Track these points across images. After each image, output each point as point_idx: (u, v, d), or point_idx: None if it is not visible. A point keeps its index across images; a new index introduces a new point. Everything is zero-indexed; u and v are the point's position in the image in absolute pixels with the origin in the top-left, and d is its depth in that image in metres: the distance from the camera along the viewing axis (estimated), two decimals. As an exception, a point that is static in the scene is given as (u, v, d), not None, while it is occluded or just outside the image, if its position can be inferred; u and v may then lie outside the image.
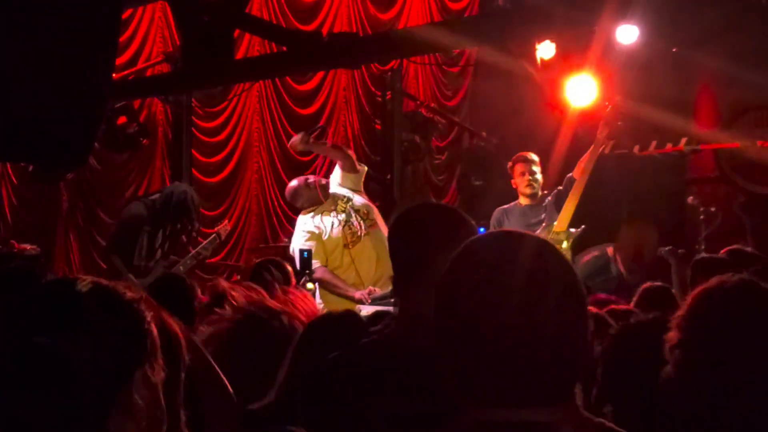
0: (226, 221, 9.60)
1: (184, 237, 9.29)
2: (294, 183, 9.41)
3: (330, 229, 9.04)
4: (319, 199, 9.14)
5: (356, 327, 4.03)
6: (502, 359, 2.04)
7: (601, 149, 8.97)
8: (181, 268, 8.95)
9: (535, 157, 9.60)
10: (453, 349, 2.12)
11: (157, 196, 9.56)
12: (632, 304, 5.69)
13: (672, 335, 2.87)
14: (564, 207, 9.02)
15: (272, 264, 7.08)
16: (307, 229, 9.09)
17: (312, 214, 9.14)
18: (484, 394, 2.07)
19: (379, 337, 3.42)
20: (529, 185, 9.45)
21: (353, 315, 4.43)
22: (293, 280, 6.90)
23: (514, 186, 9.64)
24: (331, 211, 9.12)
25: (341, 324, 4.08)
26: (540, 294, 2.05)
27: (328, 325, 4.14)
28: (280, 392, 3.75)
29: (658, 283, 6.11)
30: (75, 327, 2.00)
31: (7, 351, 1.99)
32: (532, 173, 9.47)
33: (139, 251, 8.80)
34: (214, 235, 9.31)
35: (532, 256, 2.10)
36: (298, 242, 9.05)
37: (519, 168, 9.58)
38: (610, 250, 9.56)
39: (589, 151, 9.12)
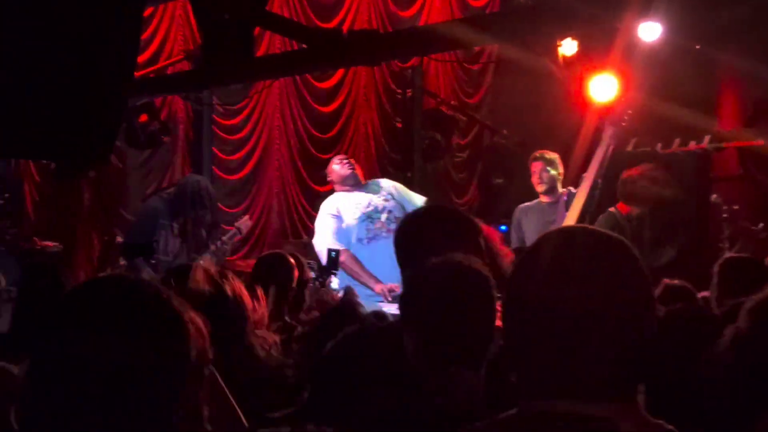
0: (247, 217, 9.56)
1: (203, 230, 9.25)
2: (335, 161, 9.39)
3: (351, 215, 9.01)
4: (349, 182, 9.12)
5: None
6: (567, 351, 2.05)
7: (606, 149, 8.94)
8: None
9: (550, 155, 9.58)
10: (517, 340, 2.14)
11: (173, 189, 9.55)
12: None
13: (740, 325, 2.84)
14: (571, 206, 8.99)
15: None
16: (328, 211, 9.08)
17: (341, 195, 9.11)
18: (546, 385, 2.08)
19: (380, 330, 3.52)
20: (541, 183, 9.45)
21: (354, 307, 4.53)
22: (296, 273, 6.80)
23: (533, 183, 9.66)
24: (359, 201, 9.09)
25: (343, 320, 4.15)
26: (610, 288, 2.06)
27: (336, 323, 4.18)
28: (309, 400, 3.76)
29: (677, 281, 6.08)
30: (128, 331, 1.96)
31: (62, 360, 1.95)
32: (545, 171, 9.45)
33: (159, 246, 8.77)
34: (234, 230, 9.27)
35: (603, 250, 2.12)
36: (318, 222, 9.02)
37: (533, 166, 9.59)
38: None
39: (597, 151, 9.11)
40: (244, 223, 9.45)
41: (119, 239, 8.47)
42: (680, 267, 8.86)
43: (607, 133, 8.99)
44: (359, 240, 9.00)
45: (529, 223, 9.45)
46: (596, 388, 2.05)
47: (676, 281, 6.11)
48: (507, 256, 5.44)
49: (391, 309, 6.75)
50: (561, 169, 9.59)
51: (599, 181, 8.87)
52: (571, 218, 8.92)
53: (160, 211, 8.89)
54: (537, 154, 9.63)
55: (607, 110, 9.36)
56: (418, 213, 4.53)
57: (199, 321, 2.94)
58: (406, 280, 3.51)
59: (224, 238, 9.27)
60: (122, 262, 8.94)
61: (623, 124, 9.04)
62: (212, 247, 9.15)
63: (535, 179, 9.54)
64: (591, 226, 2.24)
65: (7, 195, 10.05)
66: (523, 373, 2.14)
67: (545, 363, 2.08)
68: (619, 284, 2.07)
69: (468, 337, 3.18)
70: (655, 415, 2.15)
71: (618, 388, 2.08)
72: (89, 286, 2.13)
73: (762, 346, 2.74)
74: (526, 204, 9.73)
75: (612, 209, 9.55)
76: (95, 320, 1.96)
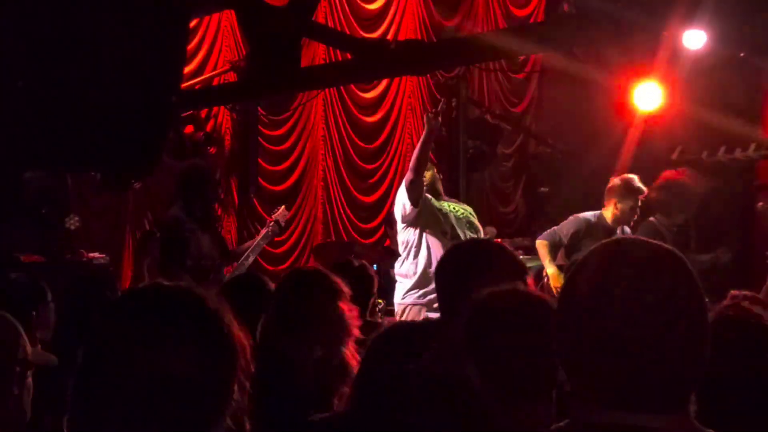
0: (283, 207, 9.47)
1: (216, 207, 9.11)
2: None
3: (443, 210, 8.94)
4: (436, 190, 9.06)
5: (426, 337, 4.07)
6: (619, 362, 2.04)
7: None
8: (245, 263, 8.91)
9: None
10: (573, 351, 2.13)
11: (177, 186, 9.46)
12: None
13: None
14: None
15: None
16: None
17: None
18: (597, 396, 2.08)
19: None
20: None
21: (424, 325, 4.49)
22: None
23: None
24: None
25: (412, 334, 4.12)
26: (662, 298, 2.06)
27: (399, 335, 4.16)
28: (349, 402, 3.75)
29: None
30: (172, 341, 1.96)
31: (112, 370, 1.96)
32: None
33: (192, 252, 8.72)
34: (272, 223, 9.21)
35: (654, 261, 2.11)
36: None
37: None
38: None
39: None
40: (281, 214, 9.39)
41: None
42: (727, 274, 8.78)
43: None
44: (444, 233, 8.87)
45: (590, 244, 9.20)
46: (648, 399, 2.05)
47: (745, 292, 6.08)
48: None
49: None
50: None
51: None
52: None
53: (180, 218, 8.85)
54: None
55: (654, 117, 9.29)
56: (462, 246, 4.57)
57: (239, 333, 2.95)
58: (468, 310, 3.49)
59: (262, 232, 9.18)
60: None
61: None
62: (252, 244, 9.10)
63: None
64: (641, 237, 2.23)
65: (53, 213, 10.11)
66: (575, 383, 2.14)
67: (597, 374, 2.08)
68: (672, 294, 2.06)
69: (541, 370, 3.13)
70: (708, 425, 2.14)
71: (670, 399, 2.07)
72: (133, 295, 2.14)
73: None
74: (594, 221, 9.27)
75: (652, 218, 9.41)
76: (140, 330, 1.97)
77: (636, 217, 8.97)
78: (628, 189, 8.88)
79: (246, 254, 8.89)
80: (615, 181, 8.97)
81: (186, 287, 2.11)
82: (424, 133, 8.65)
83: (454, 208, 9.05)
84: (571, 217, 9.12)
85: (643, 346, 2.03)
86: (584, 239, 8.77)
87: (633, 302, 2.04)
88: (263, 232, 9.13)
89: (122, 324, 2.01)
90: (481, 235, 9.09)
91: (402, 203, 8.80)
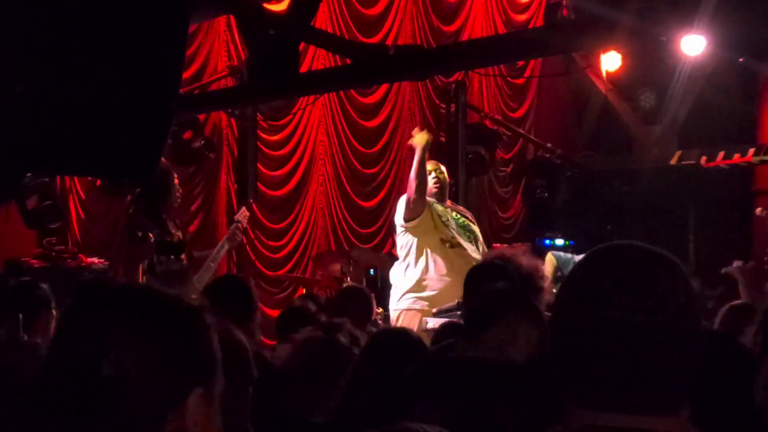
0: (244, 208, 9.53)
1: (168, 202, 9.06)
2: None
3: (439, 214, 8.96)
4: (444, 195, 9.09)
5: (414, 343, 4.18)
6: (624, 364, 2.04)
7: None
8: (212, 264, 8.93)
9: None
10: (571, 352, 2.13)
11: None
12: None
13: None
14: None
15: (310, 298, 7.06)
16: None
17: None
18: (600, 398, 2.08)
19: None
20: None
21: (409, 332, 4.61)
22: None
23: None
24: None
25: (402, 339, 4.22)
26: (659, 302, 2.06)
27: (390, 340, 4.24)
28: (341, 402, 3.78)
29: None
30: (131, 340, 1.93)
31: (57, 365, 1.95)
32: None
33: (153, 258, 8.70)
34: (233, 226, 9.25)
35: (652, 264, 2.11)
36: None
37: None
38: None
39: None
40: (242, 215, 9.43)
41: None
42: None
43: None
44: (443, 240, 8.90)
45: None
46: (643, 401, 2.05)
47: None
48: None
49: (437, 323, 6.75)
50: None
51: None
52: None
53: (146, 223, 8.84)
54: None
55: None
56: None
57: (240, 338, 2.92)
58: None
59: (223, 239, 9.20)
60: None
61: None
62: (215, 249, 9.12)
63: None
64: (638, 242, 2.23)
65: (53, 218, 10.11)
66: (570, 384, 2.14)
67: (593, 376, 2.08)
68: (669, 297, 2.06)
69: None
70: (701, 428, 2.15)
71: (665, 402, 2.07)
72: (102, 292, 2.09)
73: None
74: None
75: None
76: (100, 327, 1.95)
77: None
78: None
79: (211, 258, 8.92)
80: None
81: (162, 290, 2.09)
82: (419, 154, 8.77)
83: (455, 216, 9.06)
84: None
85: (640, 349, 2.03)
86: None
87: (631, 305, 2.04)
88: (224, 238, 9.19)
89: (83, 320, 1.99)
90: (480, 242, 9.08)
91: (401, 213, 8.85)
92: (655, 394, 2.06)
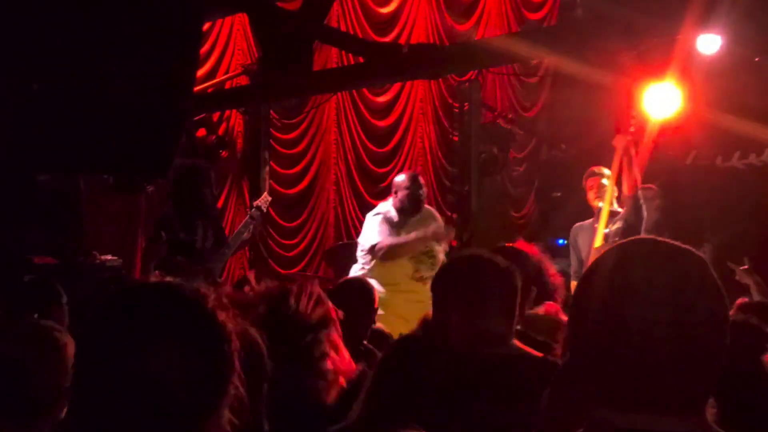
0: (265, 194, 9.51)
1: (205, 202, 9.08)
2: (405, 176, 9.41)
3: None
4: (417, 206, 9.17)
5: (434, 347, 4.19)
6: (648, 364, 2.02)
7: (621, 160, 8.74)
8: (227, 252, 8.97)
9: (602, 170, 9.34)
10: (594, 352, 2.10)
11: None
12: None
13: None
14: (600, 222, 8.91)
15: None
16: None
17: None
18: (623, 398, 2.05)
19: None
20: (598, 200, 9.23)
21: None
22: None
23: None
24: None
25: (421, 344, 4.23)
26: (682, 299, 2.03)
27: (410, 345, 4.24)
28: (361, 411, 3.77)
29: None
30: (162, 343, 1.94)
31: (95, 378, 1.95)
32: (602, 187, 9.24)
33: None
34: (253, 209, 9.24)
35: (683, 265, 2.09)
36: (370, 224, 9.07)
37: (588, 182, 9.40)
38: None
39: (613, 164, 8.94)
40: (263, 200, 9.41)
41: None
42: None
43: (620, 145, 8.82)
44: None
45: (584, 242, 9.31)
46: (667, 402, 2.02)
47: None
48: (557, 287, 5.49)
49: None
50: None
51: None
52: (599, 235, 8.84)
53: (169, 216, 8.85)
54: (594, 170, 9.45)
55: (668, 123, 9.27)
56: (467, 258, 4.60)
57: (255, 335, 2.91)
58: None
59: (245, 220, 9.21)
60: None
61: (630, 132, 8.84)
62: (234, 233, 9.14)
63: (591, 196, 9.35)
64: (662, 238, 2.20)
65: (66, 215, 10.12)
66: (591, 385, 2.11)
67: (611, 374, 2.05)
68: (693, 295, 2.03)
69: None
70: (726, 429, 2.12)
71: (689, 402, 2.05)
72: (129, 293, 2.12)
73: None
74: (581, 223, 9.57)
75: None
76: (126, 331, 1.96)
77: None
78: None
79: (228, 244, 8.95)
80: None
81: (181, 285, 2.09)
82: (430, 235, 8.87)
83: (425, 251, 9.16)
84: None
85: (664, 348, 2.00)
86: None
87: (662, 301, 2.02)
88: (244, 220, 9.19)
89: (111, 324, 2.00)
90: (438, 260, 9.10)
91: (362, 243, 8.95)
92: (681, 393, 2.03)
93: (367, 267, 9.01)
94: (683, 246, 2.16)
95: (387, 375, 3.83)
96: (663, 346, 2.01)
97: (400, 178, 9.35)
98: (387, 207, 9.16)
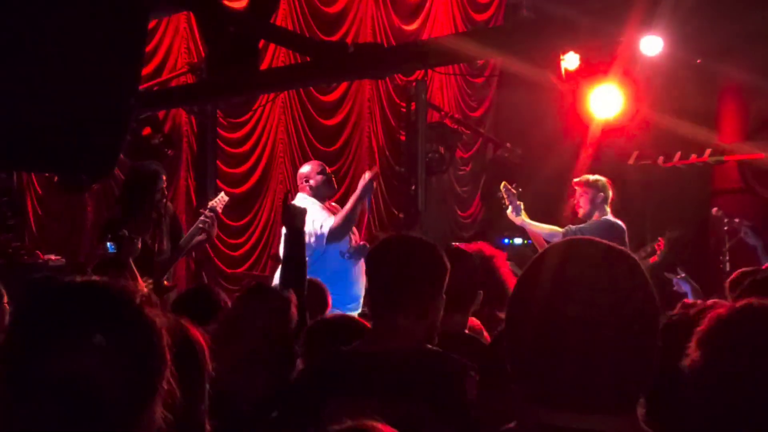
0: (222, 194, 9.46)
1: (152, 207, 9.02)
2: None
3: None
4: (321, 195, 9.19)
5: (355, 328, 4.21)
6: (585, 363, 2.03)
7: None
8: (177, 254, 8.95)
9: (595, 178, 9.23)
10: (525, 350, 2.12)
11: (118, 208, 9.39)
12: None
13: (692, 352, 2.85)
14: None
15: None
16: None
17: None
18: (558, 397, 2.07)
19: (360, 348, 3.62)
20: (581, 207, 9.17)
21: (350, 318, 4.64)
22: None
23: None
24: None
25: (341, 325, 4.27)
26: (614, 299, 2.05)
27: (330, 327, 4.29)
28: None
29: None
30: (86, 341, 1.91)
31: (26, 371, 1.92)
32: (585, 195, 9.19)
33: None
34: (207, 210, 9.18)
35: (607, 261, 2.11)
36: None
37: (577, 188, 9.27)
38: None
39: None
40: (221, 201, 9.36)
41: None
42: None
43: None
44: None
45: None
46: (600, 401, 2.05)
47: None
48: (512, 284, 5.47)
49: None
50: (610, 193, 9.17)
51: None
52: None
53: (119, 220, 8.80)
54: (583, 178, 9.27)
55: (611, 123, 9.33)
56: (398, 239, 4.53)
57: (197, 335, 2.91)
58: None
59: (198, 222, 9.15)
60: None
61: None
62: (185, 236, 9.09)
63: (578, 203, 9.21)
64: (596, 238, 2.23)
65: (9, 214, 10.04)
66: (524, 382, 2.13)
67: (548, 375, 2.07)
68: (629, 296, 2.06)
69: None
70: (653, 428, 2.15)
71: (622, 401, 2.07)
72: (52, 292, 2.07)
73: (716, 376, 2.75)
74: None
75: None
76: (55, 326, 1.93)
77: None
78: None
79: (179, 246, 8.92)
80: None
81: (107, 282, 2.06)
82: (359, 193, 8.86)
83: None
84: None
85: (597, 348, 2.03)
86: None
87: (590, 301, 2.04)
88: (193, 227, 9.14)
89: (32, 323, 1.98)
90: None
91: (311, 236, 8.88)
92: (612, 392, 2.06)
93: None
94: (619, 247, 2.19)
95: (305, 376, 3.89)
96: (599, 345, 2.03)
97: (307, 168, 9.42)
98: (303, 198, 9.12)
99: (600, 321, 2.03)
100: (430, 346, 3.78)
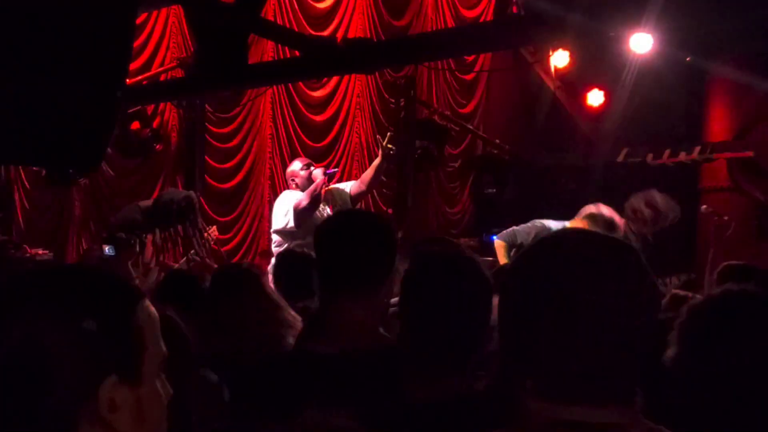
0: (214, 227, 9.52)
1: (181, 240, 9.18)
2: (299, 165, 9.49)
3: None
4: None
5: None
6: (591, 354, 2.02)
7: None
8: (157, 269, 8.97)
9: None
10: (530, 345, 2.09)
11: (151, 203, 9.48)
12: None
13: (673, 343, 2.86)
14: None
15: None
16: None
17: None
18: (561, 390, 2.05)
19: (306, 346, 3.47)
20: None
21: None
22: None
23: None
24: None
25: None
26: (636, 288, 2.05)
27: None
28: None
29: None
30: (58, 314, 1.84)
31: None
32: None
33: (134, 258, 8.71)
34: (203, 241, 9.25)
35: (618, 257, 2.10)
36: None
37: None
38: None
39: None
40: (212, 233, 9.44)
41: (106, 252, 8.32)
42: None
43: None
44: None
45: None
46: (605, 393, 2.04)
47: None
48: None
49: None
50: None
51: None
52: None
53: (137, 222, 8.83)
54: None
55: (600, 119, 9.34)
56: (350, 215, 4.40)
57: (181, 325, 2.89)
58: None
59: (191, 252, 9.24)
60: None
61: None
62: (181, 261, 9.16)
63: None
64: (594, 231, 2.22)
65: None
66: (533, 376, 2.11)
67: (552, 369, 2.06)
68: (640, 284, 2.06)
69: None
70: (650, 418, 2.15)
71: (622, 393, 2.07)
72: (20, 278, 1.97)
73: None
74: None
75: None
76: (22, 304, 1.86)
77: None
78: (607, 226, 8.86)
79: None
80: (595, 211, 8.91)
81: (101, 269, 2.01)
82: (379, 162, 8.91)
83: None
84: (535, 221, 9.09)
85: (607, 334, 2.02)
86: None
87: (601, 288, 2.03)
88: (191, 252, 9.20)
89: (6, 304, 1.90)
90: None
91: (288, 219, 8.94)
92: (617, 384, 2.05)
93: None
94: (620, 240, 2.19)
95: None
96: (605, 332, 2.02)
97: (296, 166, 9.53)
98: (292, 194, 9.21)
99: (611, 307, 2.02)
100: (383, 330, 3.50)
